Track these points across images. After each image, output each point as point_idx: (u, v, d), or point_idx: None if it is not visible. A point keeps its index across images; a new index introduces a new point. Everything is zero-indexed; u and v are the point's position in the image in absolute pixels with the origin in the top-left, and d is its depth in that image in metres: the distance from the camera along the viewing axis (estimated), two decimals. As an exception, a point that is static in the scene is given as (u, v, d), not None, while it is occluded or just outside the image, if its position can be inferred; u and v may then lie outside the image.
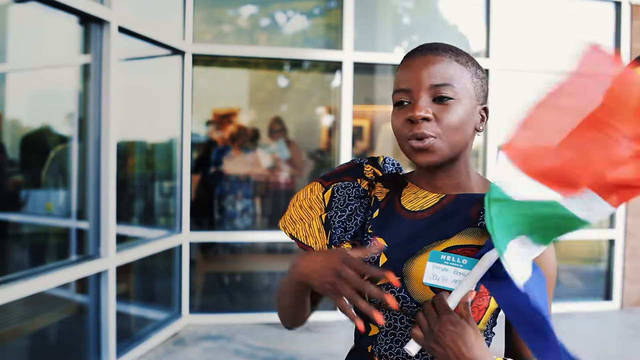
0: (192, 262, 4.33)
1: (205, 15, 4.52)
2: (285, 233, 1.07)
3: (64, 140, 3.50)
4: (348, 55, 4.38)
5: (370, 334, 1.00)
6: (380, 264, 0.98)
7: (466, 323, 0.86)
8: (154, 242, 3.86)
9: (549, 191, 0.82)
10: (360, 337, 1.03)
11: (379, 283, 0.97)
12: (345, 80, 4.38)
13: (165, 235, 4.07)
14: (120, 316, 3.36)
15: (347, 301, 0.88)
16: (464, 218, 0.98)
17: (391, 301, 0.85)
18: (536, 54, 4.84)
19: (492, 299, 0.95)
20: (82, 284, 3.18)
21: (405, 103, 0.96)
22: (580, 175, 0.80)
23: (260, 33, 4.79)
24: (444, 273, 0.92)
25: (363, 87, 4.94)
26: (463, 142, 0.97)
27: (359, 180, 1.06)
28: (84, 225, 3.22)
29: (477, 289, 0.90)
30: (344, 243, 1.01)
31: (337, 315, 4.15)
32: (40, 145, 3.44)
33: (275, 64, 4.92)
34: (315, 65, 4.90)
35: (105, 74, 3.11)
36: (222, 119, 5.04)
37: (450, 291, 0.89)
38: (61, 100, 3.45)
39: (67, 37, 3.33)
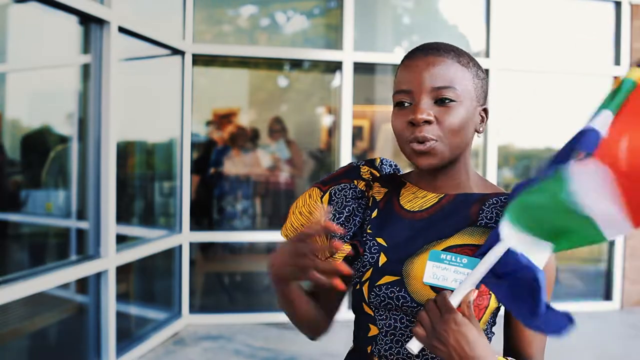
0: (192, 262, 4.33)
1: (205, 15, 4.52)
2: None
3: (64, 140, 3.50)
4: (348, 55, 4.38)
5: (370, 334, 1.00)
6: (380, 264, 0.98)
7: (469, 322, 0.86)
8: (154, 242, 3.86)
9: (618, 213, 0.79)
10: (359, 338, 1.03)
11: (380, 282, 0.97)
12: (345, 80, 4.38)
13: (165, 235, 4.07)
14: (120, 316, 3.36)
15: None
16: (463, 217, 0.98)
17: (343, 268, 0.84)
18: (536, 54, 4.84)
19: (492, 298, 0.95)
20: (82, 284, 3.18)
21: (406, 104, 0.95)
22: None
23: (260, 33, 4.79)
24: (444, 272, 0.92)
25: (363, 87, 4.94)
26: (463, 144, 0.97)
27: (355, 181, 1.06)
28: (84, 225, 3.22)
29: (477, 287, 0.90)
30: (344, 244, 1.01)
31: (337, 316, 4.14)
32: (40, 145, 3.44)
33: (275, 64, 4.92)
34: (315, 65, 4.90)
35: (105, 74, 3.11)
36: (222, 119, 5.04)
37: (450, 290, 0.89)
38: (61, 100, 3.45)
39: (67, 37, 3.33)
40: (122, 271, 3.37)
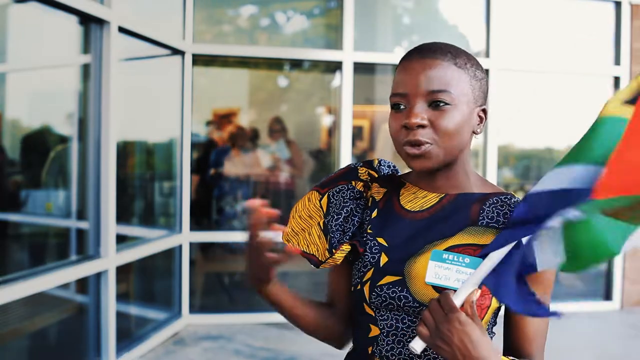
0: (192, 262, 4.33)
1: (205, 15, 4.52)
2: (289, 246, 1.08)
3: (64, 140, 3.50)
4: (348, 55, 4.38)
5: (371, 334, 1.00)
6: (381, 264, 0.98)
7: (473, 322, 0.86)
8: (154, 242, 3.86)
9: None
10: (359, 338, 1.03)
11: (381, 282, 0.97)
12: (345, 80, 4.38)
13: (165, 235, 4.07)
14: (120, 316, 3.36)
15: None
16: (464, 217, 0.98)
17: (291, 249, 0.90)
18: (536, 54, 4.84)
19: (494, 298, 0.95)
20: (82, 284, 3.18)
21: (402, 107, 0.96)
22: None
23: (260, 33, 4.79)
24: (446, 272, 0.92)
25: (363, 87, 4.94)
26: (459, 146, 0.97)
27: (353, 182, 1.06)
28: (84, 225, 3.22)
29: (479, 287, 0.90)
30: (343, 244, 1.01)
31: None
32: (40, 145, 3.44)
33: (275, 64, 4.92)
34: (315, 65, 4.90)
35: (105, 74, 3.11)
36: (222, 119, 5.04)
37: (453, 290, 0.89)
38: (61, 100, 3.45)
39: (67, 37, 3.33)
40: (122, 271, 3.37)
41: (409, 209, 1.02)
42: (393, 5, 4.87)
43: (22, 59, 3.31)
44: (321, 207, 1.05)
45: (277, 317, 4.50)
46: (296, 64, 4.92)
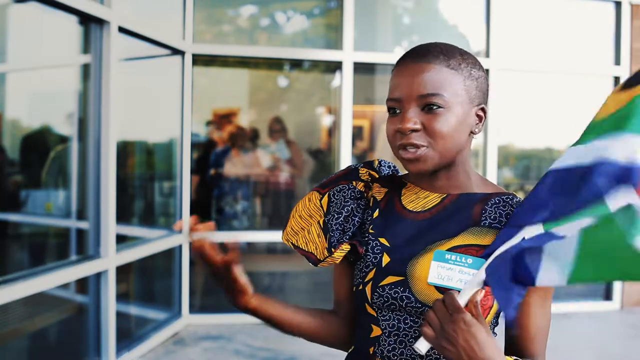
0: (192, 262, 4.33)
1: (205, 15, 4.52)
2: (289, 245, 1.08)
3: (64, 140, 3.50)
4: (348, 55, 4.38)
5: (372, 335, 1.00)
6: (383, 264, 0.98)
7: (478, 322, 0.86)
8: (154, 242, 3.86)
9: None
10: (361, 338, 1.03)
11: (383, 282, 0.97)
12: (345, 80, 4.38)
13: (165, 235, 4.07)
14: (120, 316, 3.36)
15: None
16: (466, 217, 0.98)
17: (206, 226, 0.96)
18: (536, 54, 4.84)
19: None
20: (82, 284, 3.18)
21: (398, 111, 0.97)
22: None
23: (260, 33, 4.79)
24: (449, 272, 0.93)
25: (363, 87, 4.94)
26: (456, 147, 0.97)
27: (354, 182, 1.06)
28: (84, 225, 3.21)
29: (482, 287, 0.90)
30: (343, 244, 1.02)
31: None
32: (40, 145, 3.44)
33: (275, 64, 4.92)
34: (315, 65, 4.90)
35: (105, 74, 3.11)
36: (222, 119, 5.04)
37: (456, 290, 0.89)
38: (61, 100, 3.45)
39: (67, 37, 3.33)
40: (122, 271, 3.37)
41: (410, 209, 1.02)
42: (393, 5, 4.87)
43: (22, 59, 3.31)
44: (321, 206, 1.06)
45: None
46: (296, 64, 4.92)
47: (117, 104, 3.16)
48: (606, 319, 4.60)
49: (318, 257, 1.03)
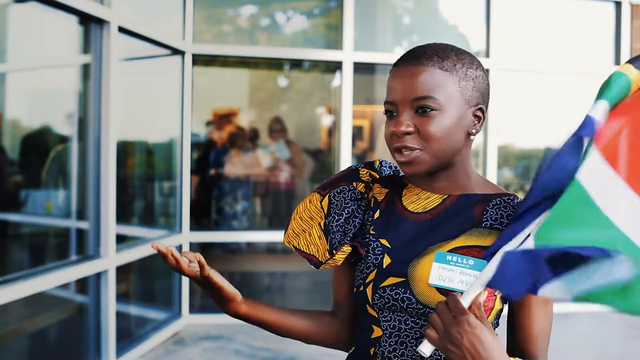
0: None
1: (205, 15, 4.52)
2: (290, 247, 1.09)
3: (64, 140, 3.50)
4: (348, 55, 4.38)
5: (373, 335, 0.99)
6: (384, 265, 0.98)
7: (482, 324, 0.85)
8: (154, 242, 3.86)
9: (632, 194, 0.80)
10: (361, 339, 1.03)
11: (385, 284, 0.97)
12: (345, 80, 4.38)
13: (165, 235, 4.07)
14: (120, 316, 3.36)
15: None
16: (467, 218, 0.98)
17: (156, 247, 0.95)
18: (536, 54, 4.84)
19: (497, 300, 0.95)
20: (82, 284, 3.18)
21: (394, 114, 0.98)
22: None
23: (260, 33, 4.79)
24: (450, 274, 0.93)
25: (363, 87, 4.94)
26: (450, 149, 0.97)
27: (354, 183, 1.06)
28: (84, 225, 3.21)
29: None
30: (344, 245, 1.02)
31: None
32: (40, 145, 3.44)
33: (275, 64, 4.92)
34: (315, 65, 4.90)
35: (105, 74, 3.11)
36: (222, 119, 5.04)
37: (457, 292, 0.89)
38: (61, 100, 3.45)
39: (67, 37, 3.33)
40: (122, 271, 3.37)
41: (411, 210, 1.02)
42: (393, 5, 4.87)
43: (22, 59, 3.31)
44: (322, 208, 1.06)
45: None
46: (296, 64, 4.92)
47: (117, 104, 3.16)
48: (606, 319, 4.60)
49: (320, 259, 1.03)
